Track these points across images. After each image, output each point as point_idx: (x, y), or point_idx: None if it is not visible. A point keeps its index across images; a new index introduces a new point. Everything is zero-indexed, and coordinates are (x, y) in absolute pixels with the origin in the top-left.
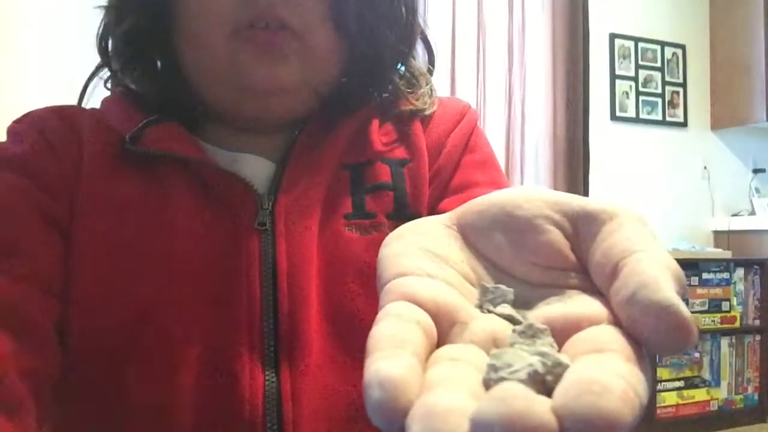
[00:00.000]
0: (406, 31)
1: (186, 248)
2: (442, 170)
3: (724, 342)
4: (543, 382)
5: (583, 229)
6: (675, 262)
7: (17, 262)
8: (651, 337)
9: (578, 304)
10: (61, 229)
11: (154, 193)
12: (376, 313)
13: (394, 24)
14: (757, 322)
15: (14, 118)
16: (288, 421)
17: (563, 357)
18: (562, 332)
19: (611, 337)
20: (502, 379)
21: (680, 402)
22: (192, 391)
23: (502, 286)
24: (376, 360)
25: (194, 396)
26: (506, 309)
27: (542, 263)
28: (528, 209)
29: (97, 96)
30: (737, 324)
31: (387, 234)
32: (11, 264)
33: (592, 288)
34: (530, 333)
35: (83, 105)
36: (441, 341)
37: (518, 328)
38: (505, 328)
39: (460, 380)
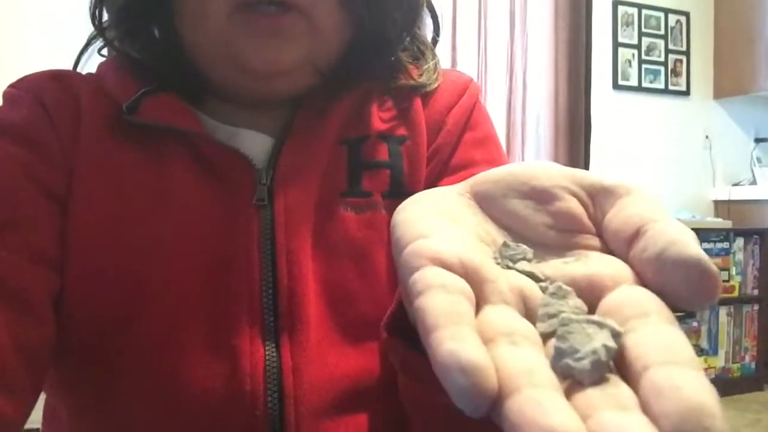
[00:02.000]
0: (413, 4)
1: (184, 222)
2: (441, 149)
3: (723, 311)
4: (608, 365)
5: (600, 200)
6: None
7: (12, 233)
8: (680, 290)
9: (598, 263)
10: (57, 199)
11: (153, 164)
12: (368, 293)
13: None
14: (756, 292)
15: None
16: (289, 394)
17: (611, 322)
18: (588, 291)
19: (647, 297)
20: (568, 366)
21: None
22: (192, 364)
23: (523, 245)
24: (445, 340)
25: (194, 369)
26: (526, 266)
27: (559, 227)
28: (545, 179)
29: (92, 63)
30: (736, 293)
31: (382, 213)
32: (6, 235)
33: (607, 251)
34: (561, 294)
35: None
36: None
37: (550, 289)
38: (530, 285)
39: (539, 373)
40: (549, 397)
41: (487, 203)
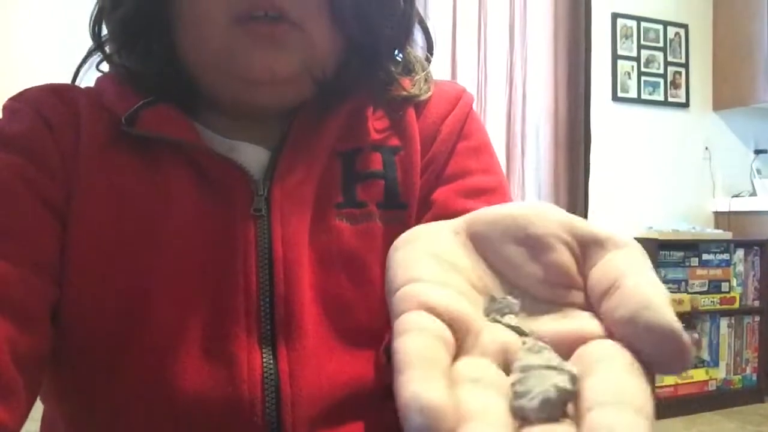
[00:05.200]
0: (404, 20)
1: (182, 233)
2: (435, 158)
3: (724, 323)
4: (560, 405)
5: (590, 253)
6: (665, 290)
7: (12, 243)
8: (651, 356)
9: (581, 321)
10: (57, 211)
11: (151, 176)
12: (364, 302)
13: (392, 14)
14: (757, 303)
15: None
16: (286, 402)
17: (571, 367)
18: (568, 347)
19: (614, 350)
20: (521, 406)
21: (679, 382)
22: (190, 371)
23: (509, 298)
24: (412, 381)
25: (193, 377)
26: (513, 320)
27: (550, 280)
28: (540, 226)
29: (89, 78)
30: (736, 305)
31: (377, 223)
32: (5, 245)
33: (593, 307)
34: (536, 350)
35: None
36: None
37: (527, 345)
38: (513, 340)
39: (493, 412)
40: (492, 428)
41: (482, 245)
